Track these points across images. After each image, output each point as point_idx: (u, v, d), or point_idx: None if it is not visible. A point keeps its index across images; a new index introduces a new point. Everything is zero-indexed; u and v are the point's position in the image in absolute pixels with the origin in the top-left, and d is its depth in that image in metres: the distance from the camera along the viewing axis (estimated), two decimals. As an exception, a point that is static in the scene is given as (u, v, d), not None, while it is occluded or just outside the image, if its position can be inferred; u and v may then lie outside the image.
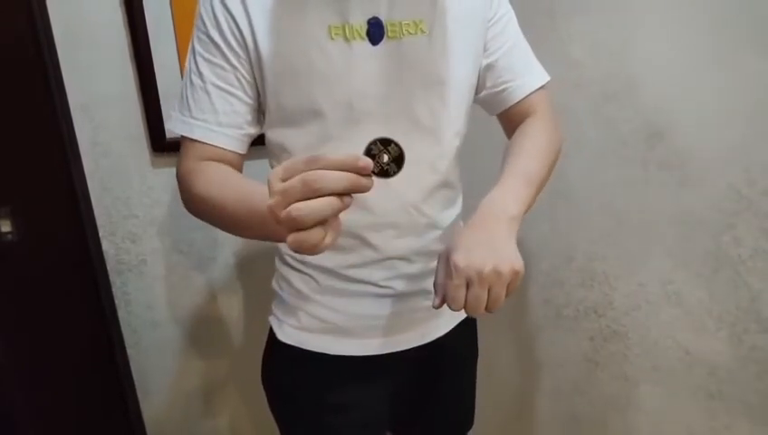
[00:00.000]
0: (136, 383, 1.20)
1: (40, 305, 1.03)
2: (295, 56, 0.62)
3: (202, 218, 0.65)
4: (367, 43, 0.62)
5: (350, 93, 0.63)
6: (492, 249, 0.54)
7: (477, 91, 0.73)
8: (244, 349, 1.30)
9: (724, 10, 0.69)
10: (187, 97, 0.64)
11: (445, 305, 0.57)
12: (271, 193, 0.42)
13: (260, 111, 0.67)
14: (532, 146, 0.68)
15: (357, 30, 0.62)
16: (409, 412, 0.82)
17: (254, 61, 0.63)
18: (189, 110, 0.64)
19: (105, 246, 1.11)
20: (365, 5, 0.62)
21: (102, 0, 1.00)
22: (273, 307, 0.76)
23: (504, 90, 0.72)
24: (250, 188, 0.56)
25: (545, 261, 1.05)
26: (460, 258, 0.53)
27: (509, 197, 0.59)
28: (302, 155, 0.42)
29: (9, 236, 0.98)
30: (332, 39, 0.61)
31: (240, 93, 0.64)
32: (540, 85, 0.72)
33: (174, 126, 0.65)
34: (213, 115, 0.63)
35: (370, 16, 0.62)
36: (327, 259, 0.68)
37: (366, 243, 0.67)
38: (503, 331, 1.20)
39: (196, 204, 0.63)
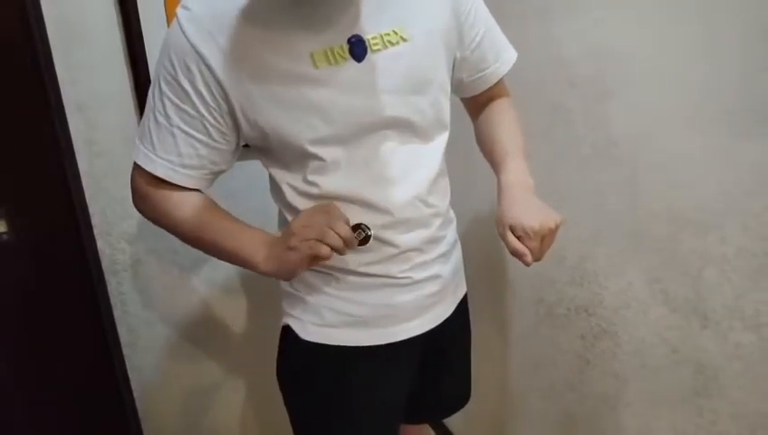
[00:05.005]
0: (132, 383, 1.20)
1: (35, 305, 1.04)
2: (286, 93, 0.62)
3: (169, 229, 0.72)
4: (352, 62, 0.63)
5: (347, 113, 0.64)
6: (544, 212, 0.66)
7: (452, 80, 0.76)
8: (240, 348, 1.31)
9: (716, 10, 0.69)
10: (150, 131, 0.66)
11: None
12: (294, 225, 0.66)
13: (234, 150, 0.70)
14: (513, 124, 0.79)
15: (338, 52, 0.62)
16: (417, 394, 0.85)
17: (243, 107, 0.63)
18: (153, 146, 0.66)
19: (100, 245, 1.12)
20: (343, 26, 0.63)
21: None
22: (288, 309, 0.77)
23: (478, 78, 0.77)
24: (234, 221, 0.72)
25: (537, 260, 1.06)
26: (534, 223, 0.64)
27: (522, 172, 0.72)
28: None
29: (4, 237, 0.99)
30: (317, 67, 0.62)
31: (205, 139, 0.65)
32: (511, 66, 0.79)
33: (138, 158, 0.68)
34: (177, 157, 0.65)
35: (350, 35, 0.63)
36: (344, 260, 0.71)
37: (382, 241, 0.70)
38: (496, 329, 1.22)
39: (174, 222, 0.70)
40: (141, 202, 0.71)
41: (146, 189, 0.69)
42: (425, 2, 0.67)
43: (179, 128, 0.64)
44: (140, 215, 0.74)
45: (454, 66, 0.75)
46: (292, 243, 0.64)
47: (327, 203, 0.66)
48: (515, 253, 0.64)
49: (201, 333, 1.26)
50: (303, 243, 0.63)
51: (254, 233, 0.70)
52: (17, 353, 1.04)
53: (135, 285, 1.18)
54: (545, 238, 0.65)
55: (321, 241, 0.63)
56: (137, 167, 0.69)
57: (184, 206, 0.69)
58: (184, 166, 0.66)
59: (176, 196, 0.69)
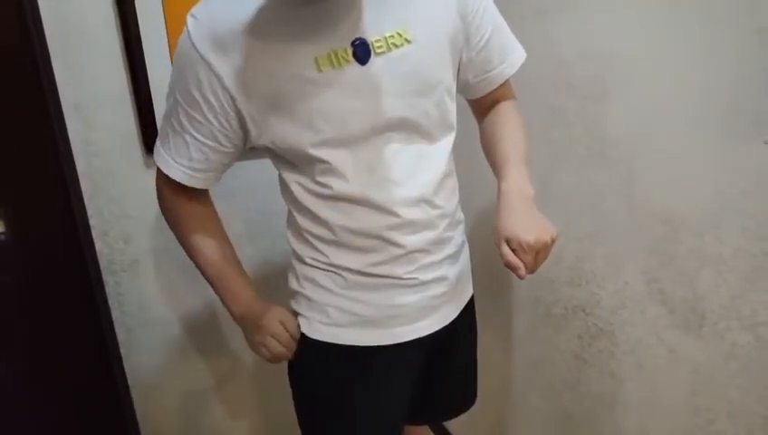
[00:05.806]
0: (130, 383, 1.20)
1: (33, 306, 1.04)
2: (291, 98, 0.63)
3: (175, 235, 0.79)
4: (356, 65, 0.63)
5: (351, 116, 0.65)
6: (540, 226, 0.66)
7: (458, 81, 0.76)
8: (238, 349, 1.31)
9: (714, 12, 0.70)
10: (169, 137, 0.70)
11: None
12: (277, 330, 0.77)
13: (242, 150, 0.73)
14: (517, 128, 0.78)
15: (342, 55, 0.63)
16: (422, 395, 0.85)
17: (252, 115, 0.65)
18: (170, 150, 0.70)
19: (98, 246, 1.12)
20: (346, 29, 0.63)
21: (94, 0, 1.00)
22: (295, 307, 0.79)
23: (483, 79, 0.76)
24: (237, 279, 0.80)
25: (535, 260, 1.06)
26: (530, 238, 0.63)
27: (522, 180, 0.70)
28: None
29: (2, 237, 0.98)
30: (321, 71, 0.62)
31: (214, 144, 0.69)
32: (517, 68, 0.77)
33: (159, 161, 0.72)
34: (188, 161, 0.70)
35: (354, 38, 0.63)
36: (350, 260, 0.71)
37: (388, 242, 0.70)
38: (495, 329, 1.22)
39: (179, 237, 0.78)
40: (160, 201, 0.78)
41: (165, 191, 0.75)
42: (428, 3, 0.67)
43: (191, 134, 0.68)
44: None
45: (459, 67, 0.74)
46: (256, 337, 0.77)
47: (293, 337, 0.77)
48: (509, 266, 0.64)
49: (200, 333, 1.26)
50: (261, 347, 0.77)
51: (244, 288, 0.79)
52: (15, 353, 1.04)
53: (133, 286, 1.18)
54: (540, 252, 0.65)
55: (272, 354, 0.77)
56: (158, 170, 0.74)
57: (193, 221, 0.77)
58: (193, 169, 0.70)
59: (190, 206, 0.76)
